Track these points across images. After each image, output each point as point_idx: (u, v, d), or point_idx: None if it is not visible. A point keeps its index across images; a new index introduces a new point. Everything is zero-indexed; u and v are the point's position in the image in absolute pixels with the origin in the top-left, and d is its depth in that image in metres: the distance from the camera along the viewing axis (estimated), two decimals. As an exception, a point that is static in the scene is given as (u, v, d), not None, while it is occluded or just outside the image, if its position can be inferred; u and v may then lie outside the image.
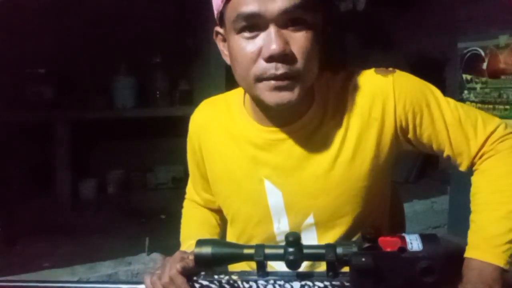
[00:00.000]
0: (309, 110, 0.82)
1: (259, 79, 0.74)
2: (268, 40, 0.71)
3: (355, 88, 0.83)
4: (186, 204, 1.08)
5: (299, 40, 0.72)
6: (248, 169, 0.85)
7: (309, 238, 0.84)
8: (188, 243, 0.92)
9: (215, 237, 0.99)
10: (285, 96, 0.74)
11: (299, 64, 0.73)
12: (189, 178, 1.05)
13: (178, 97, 3.02)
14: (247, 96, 0.87)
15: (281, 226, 0.85)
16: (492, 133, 0.82)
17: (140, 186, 3.07)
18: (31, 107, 2.57)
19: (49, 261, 1.85)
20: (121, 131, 2.83)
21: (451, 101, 0.84)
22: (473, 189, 0.83)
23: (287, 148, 0.83)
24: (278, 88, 0.73)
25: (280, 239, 0.87)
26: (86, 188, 2.85)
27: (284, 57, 0.71)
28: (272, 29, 0.71)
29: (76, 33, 2.66)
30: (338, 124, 0.82)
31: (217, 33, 0.84)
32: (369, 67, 0.86)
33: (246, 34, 0.73)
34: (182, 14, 2.92)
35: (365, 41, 3.39)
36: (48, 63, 2.63)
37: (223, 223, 1.03)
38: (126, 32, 2.75)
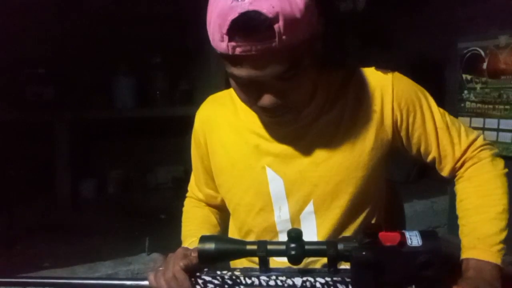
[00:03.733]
0: (311, 101, 0.84)
1: (257, 111, 0.79)
2: (260, 94, 0.73)
3: (356, 81, 0.86)
4: (187, 202, 1.09)
5: (290, 88, 0.74)
6: (251, 158, 0.88)
7: (309, 228, 0.86)
8: (189, 240, 0.94)
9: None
10: (283, 120, 0.80)
11: (294, 103, 0.76)
12: (191, 175, 1.07)
13: (178, 97, 3.02)
14: None
15: (281, 215, 0.88)
16: (473, 141, 0.88)
17: (140, 186, 3.07)
18: (31, 107, 2.57)
19: (49, 261, 1.85)
20: (121, 131, 2.83)
21: (440, 108, 0.89)
22: (459, 196, 0.87)
23: (289, 137, 0.86)
24: (275, 117, 0.78)
25: (280, 228, 0.89)
26: (86, 188, 2.85)
27: (278, 107, 0.74)
28: (264, 87, 0.72)
29: (76, 33, 2.66)
30: (339, 114, 0.85)
31: None
32: (369, 67, 0.89)
33: (241, 83, 0.74)
34: (182, 14, 2.92)
35: (365, 41, 3.39)
36: (48, 63, 2.63)
37: (223, 222, 1.05)
38: (126, 32, 2.75)
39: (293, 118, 0.81)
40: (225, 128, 0.92)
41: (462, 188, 0.88)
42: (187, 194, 1.10)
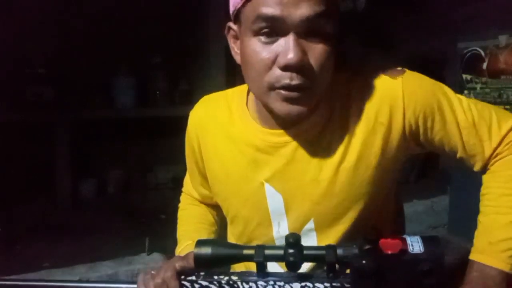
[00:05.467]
0: (313, 112, 0.79)
1: (272, 87, 0.71)
2: (286, 48, 0.68)
3: (362, 90, 0.80)
4: (183, 198, 1.06)
5: (317, 52, 0.70)
6: (248, 171, 0.84)
7: (309, 243, 0.81)
8: (185, 243, 0.92)
9: (213, 235, 0.99)
10: (296, 109, 0.72)
11: (315, 77, 0.71)
12: (186, 172, 1.04)
13: (178, 97, 3.02)
14: (251, 96, 0.85)
15: (280, 230, 0.84)
16: (507, 133, 0.79)
17: (140, 186, 3.07)
18: (31, 107, 2.56)
19: (49, 261, 1.85)
20: (121, 131, 2.83)
21: (464, 100, 0.81)
22: (483, 189, 0.82)
23: (290, 151, 0.80)
24: (289, 100, 0.71)
25: (279, 243, 0.85)
26: (86, 188, 2.85)
27: (300, 67, 0.68)
28: (291, 37, 0.68)
29: (76, 33, 2.66)
30: (343, 129, 0.79)
31: (230, 28, 0.80)
32: (371, 66, 0.84)
33: (263, 38, 0.70)
34: (182, 14, 2.92)
35: (365, 41, 3.39)
36: (48, 63, 2.63)
37: (220, 219, 1.02)
38: (126, 32, 2.74)
39: (306, 105, 0.73)
40: (220, 135, 0.87)
41: (486, 181, 0.81)
42: (183, 189, 1.07)
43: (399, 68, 0.81)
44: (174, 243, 0.98)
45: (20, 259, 1.92)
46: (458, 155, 0.81)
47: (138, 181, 3.08)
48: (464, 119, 0.79)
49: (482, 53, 2.39)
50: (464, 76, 2.50)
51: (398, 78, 0.78)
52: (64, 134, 2.63)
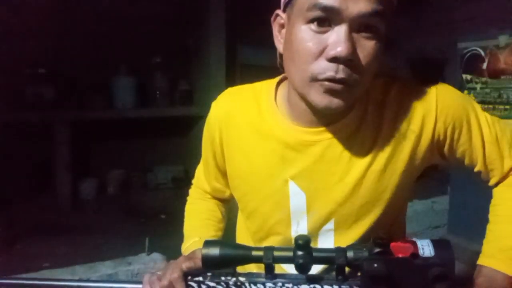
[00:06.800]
0: (349, 112, 0.78)
1: (315, 78, 0.69)
2: (337, 40, 0.66)
3: (397, 97, 0.80)
4: (192, 192, 1.04)
5: (367, 49, 0.69)
6: (274, 168, 0.82)
7: (325, 244, 0.83)
8: (192, 239, 0.91)
9: (220, 232, 0.98)
10: (335, 102, 0.70)
11: (360, 73, 0.69)
12: (199, 164, 1.01)
13: (178, 97, 3.02)
14: (280, 91, 0.84)
15: (299, 229, 0.83)
16: None
17: (140, 186, 3.07)
18: (31, 107, 2.57)
19: (49, 261, 1.85)
20: (121, 131, 2.83)
21: (489, 116, 0.83)
22: (494, 201, 0.84)
23: (319, 151, 0.79)
24: (330, 92, 0.69)
25: None
26: (86, 188, 2.85)
27: (348, 62, 0.67)
28: (343, 29, 0.66)
29: (76, 33, 2.66)
30: (375, 132, 0.79)
31: (277, 16, 0.79)
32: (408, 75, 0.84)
33: (314, 27, 0.68)
34: (182, 14, 2.92)
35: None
36: (48, 63, 2.63)
37: (228, 214, 1.01)
38: (126, 32, 2.75)
39: (345, 100, 0.71)
40: (247, 130, 0.85)
41: (499, 193, 0.84)
42: (193, 182, 1.05)
43: (433, 80, 0.82)
44: (174, 243, 0.98)
45: (20, 259, 1.92)
46: (477, 168, 0.83)
47: (138, 181, 3.09)
48: (489, 134, 0.81)
49: (482, 53, 2.40)
50: (464, 76, 2.50)
51: (433, 89, 0.80)
52: (64, 134, 2.63)
